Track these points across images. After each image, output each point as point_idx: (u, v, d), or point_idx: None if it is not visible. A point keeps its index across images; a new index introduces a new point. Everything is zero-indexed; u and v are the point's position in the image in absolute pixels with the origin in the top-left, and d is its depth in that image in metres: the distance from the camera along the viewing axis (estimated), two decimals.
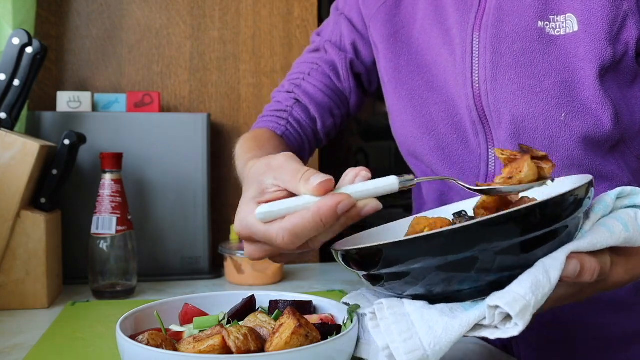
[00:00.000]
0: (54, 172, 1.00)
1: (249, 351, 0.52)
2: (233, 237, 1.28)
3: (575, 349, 0.79)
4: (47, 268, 0.94)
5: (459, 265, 0.46)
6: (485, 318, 0.46)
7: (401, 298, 0.51)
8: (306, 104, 0.92)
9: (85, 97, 1.18)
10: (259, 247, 0.59)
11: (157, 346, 0.53)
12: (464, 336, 0.47)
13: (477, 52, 0.77)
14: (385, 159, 2.81)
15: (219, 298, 0.70)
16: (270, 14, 1.39)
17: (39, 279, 0.93)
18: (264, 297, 0.68)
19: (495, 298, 0.45)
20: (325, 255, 1.58)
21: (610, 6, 0.70)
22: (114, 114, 1.17)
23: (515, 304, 0.44)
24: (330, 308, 0.64)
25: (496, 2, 0.76)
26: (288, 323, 0.53)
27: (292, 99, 0.93)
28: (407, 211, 2.29)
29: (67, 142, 1.01)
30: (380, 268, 0.49)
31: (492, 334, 0.46)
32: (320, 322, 0.59)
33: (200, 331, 0.59)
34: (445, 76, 0.80)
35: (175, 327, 0.65)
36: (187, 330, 0.63)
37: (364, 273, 0.52)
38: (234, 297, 0.69)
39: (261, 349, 0.54)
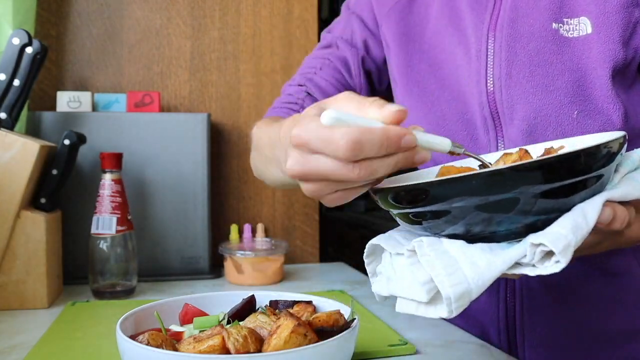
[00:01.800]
0: (54, 172, 1.00)
1: (248, 353, 0.52)
2: (233, 237, 1.29)
3: (577, 348, 0.79)
4: (47, 268, 0.94)
5: (499, 206, 0.48)
6: (525, 256, 0.48)
7: (439, 237, 0.52)
8: (317, 97, 0.93)
9: (85, 97, 1.18)
10: (306, 158, 0.51)
11: (157, 346, 0.53)
12: (503, 275, 0.48)
13: (492, 51, 0.79)
14: None
15: (219, 298, 0.70)
16: (270, 14, 1.39)
17: (39, 279, 0.93)
18: (264, 297, 0.68)
19: (538, 236, 0.47)
20: (325, 255, 1.59)
21: (624, 11, 0.72)
22: (114, 114, 1.17)
23: (558, 241, 0.46)
24: (330, 308, 0.64)
25: (511, 3, 0.78)
26: (286, 323, 0.53)
27: (304, 92, 0.94)
28: None
29: (67, 142, 1.01)
30: (425, 205, 0.50)
31: (532, 271, 0.48)
32: (320, 325, 0.59)
33: (200, 331, 0.59)
34: (458, 74, 0.82)
35: (175, 327, 0.65)
36: (187, 330, 0.63)
37: (407, 211, 0.52)
38: (234, 297, 0.69)
39: (261, 350, 0.54)
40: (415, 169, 0.76)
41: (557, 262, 0.46)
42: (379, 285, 0.56)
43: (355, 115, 0.50)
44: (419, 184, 0.49)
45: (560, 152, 0.49)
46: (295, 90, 0.95)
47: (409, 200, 0.51)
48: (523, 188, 0.46)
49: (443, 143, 0.55)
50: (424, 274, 0.49)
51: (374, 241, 0.59)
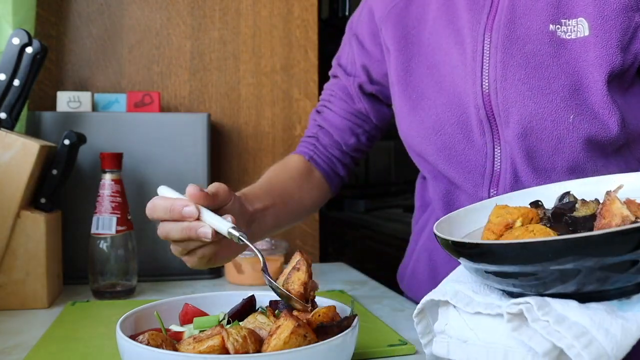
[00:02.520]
0: (54, 172, 1.00)
1: (247, 353, 0.52)
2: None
3: None
4: (47, 268, 0.94)
5: (617, 266, 0.45)
6: None
7: (538, 296, 0.48)
8: (328, 129, 1.00)
9: (85, 97, 1.18)
10: None
11: (157, 346, 0.53)
12: None
13: (487, 52, 0.78)
14: (385, 159, 2.81)
15: (219, 298, 0.70)
16: (270, 14, 1.39)
17: (39, 279, 0.93)
18: (263, 297, 0.68)
19: None
20: (325, 255, 1.58)
21: (623, 15, 0.71)
22: (114, 114, 1.17)
23: None
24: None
25: (509, 3, 0.77)
26: (286, 324, 0.53)
27: (317, 126, 1.02)
28: (407, 211, 2.29)
29: (67, 142, 1.01)
30: (533, 263, 0.46)
31: None
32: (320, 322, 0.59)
33: (200, 331, 0.59)
34: (453, 75, 0.81)
35: (175, 327, 0.65)
36: (187, 330, 0.63)
37: (505, 269, 0.48)
38: (234, 297, 0.69)
39: (261, 350, 0.54)
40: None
41: None
42: (441, 346, 0.52)
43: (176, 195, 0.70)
44: (527, 242, 0.45)
45: None
46: (312, 124, 1.03)
47: (515, 258, 0.46)
48: None
49: (221, 224, 0.64)
50: (543, 343, 0.44)
51: (433, 296, 0.54)
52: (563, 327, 0.44)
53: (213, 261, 0.73)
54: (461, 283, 0.55)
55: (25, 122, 1.13)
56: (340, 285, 1.11)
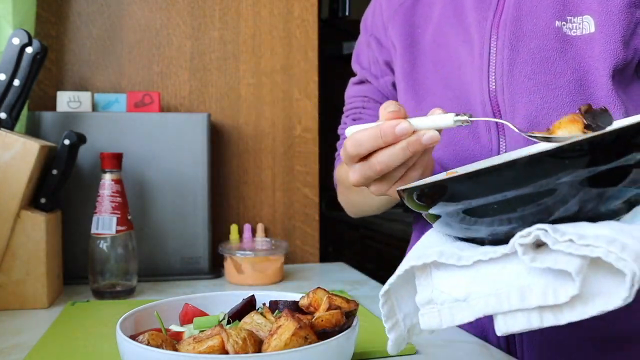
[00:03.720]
0: (54, 172, 1.00)
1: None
2: (233, 237, 1.29)
3: (577, 348, 0.79)
4: (47, 268, 0.94)
5: (611, 177, 0.43)
6: None
7: (544, 222, 0.44)
8: None
9: (85, 97, 1.18)
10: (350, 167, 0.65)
11: (157, 346, 0.53)
12: None
13: (494, 49, 0.79)
14: None
15: (219, 298, 0.70)
16: (270, 14, 1.39)
17: (39, 279, 0.93)
18: (263, 297, 0.68)
19: None
20: (325, 255, 1.58)
21: (626, 11, 0.73)
22: (114, 114, 1.17)
23: None
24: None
25: (515, 0, 0.79)
26: (287, 325, 0.53)
27: None
28: (408, 211, 2.29)
29: (67, 142, 1.01)
30: (531, 181, 0.43)
31: None
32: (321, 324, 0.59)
33: (200, 331, 0.59)
34: (460, 72, 0.82)
35: (175, 327, 0.65)
36: (187, 330, 0.63)
37: (504, 194, 0.44)
38: (234, 297, 0.69)
39: (260, 351, 0.53)
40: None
41: None
42: (431, 317, 0.47)
43: (370, 124, 0.61)
44: (537, 153, 0.41)
45: None
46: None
47: (503, 182, 0.43)
48: (634, 154, 0.42)
49: (444, 119, 0.58)
50: (573, 262, 0.41)
51: (412, 262, 0.49)
52: (590, 240, 0.41)
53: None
54: (439, 246, 0.50)
55: (25, 122, 1.13)
56: (340, 285, 1.11)
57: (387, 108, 0.60)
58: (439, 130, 0.60)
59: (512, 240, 0.44)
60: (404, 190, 0.51)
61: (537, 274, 0.43)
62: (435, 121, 0.59)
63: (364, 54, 1.02)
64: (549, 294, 0.42)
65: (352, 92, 1.04)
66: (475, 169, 0.44)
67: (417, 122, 0.59)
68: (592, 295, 0.42)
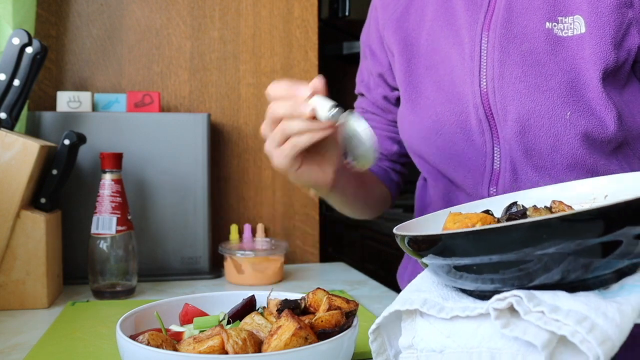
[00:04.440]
0: (54, 172, 1.00)
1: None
2: (233, 237, 1.29)
3: None
4: (47, 268, 0.94)
5: (600, 249, 0.43)
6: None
7: (523, 289, 0.45)
8: None
9: (85, 97, 1.18)
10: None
11: (157, 346, 0.53)
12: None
13: (485, 51, 0.79)
14: None
15: (219, 298, 0.70)
16: (270, 14, 1.39)
17: (39, 279, 0.93)
18: (263, 297, 0.68)
19: None
20: (325, 255, 1.59)
21: (617, 12, 0.72)
22: (114, 114, 1.17)
23: None
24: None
25: (505, 2, 0.78)
26: (288, 325, 0.53)
27: None
28: (408, 211, 2.29)
29: (67, 142, 1.01)
30: (512, 250, 0.43)
31: None
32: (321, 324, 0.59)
33: (200, 331, 0.59)
34: (452, 75, 0.82)
35: (175, 327, 0.65)
36: (187, 330, 0.63)
37: (480, 260, 0.45)
38: (234, 297, 0.69)
39: (260, 351, 0.53)
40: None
41: None
42: None
43: None
44: (512, 225, 0.41)
45: None
46: None
47: (490, 246, 0.43)
48: (627, 229, 0.42)
49: (325, 102, 0.64)
50: (541, 335, 0.41)
51: (397, 307, 0.50)
52: (561, 315, 0.41)
53: (301, 162, 0.72)
54: (426, 292, 0.51)
55: (25, 122, 1.13)
56: (340, 285, 1.11)
57: (315, 80, 0.68)
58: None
59: (488, 303, 0.45)
60: (397, 235, 0.51)
61: (510, 339, 0.44)
62: (317, 101, 0.66)
63: (363, 65, 1.03)
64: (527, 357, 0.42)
65: (355, 104, 1.06)
66: (457, 232, 0.44)
67: (315, 97, 0.66)
68: None
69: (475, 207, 0.62)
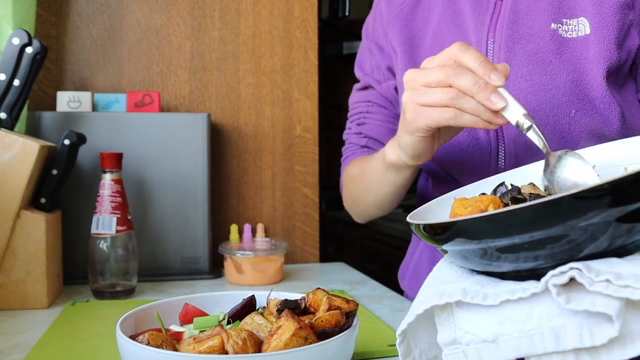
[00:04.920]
0: (54, 172, 1.00)
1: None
2: (233, 237, 1.29)
3: None
4: (47, 268, 0.94)
5: (637, 215, 0.42)
6: None
7: (569, 262, 0.44)
8: (377, 138, 1.00)
9: (85, 97, 1.18)
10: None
11: (157, 346, 0.53)
12: None
13: (491, 51, 0.80)
14: None
15: (219, 298, 0.70)
16: (270, 14, 1.39)
17: (39, 279, 0.93)
18: (263, 297, 0.68)
19: None
20: (325, 255, 1.58)
21: (620, 13, 0.73)
22: (114, 114, 1.17)
23: None
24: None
25: (512, 4, 0.79)
26: (288, 325, 0.53)
27: (364, 138, 1.02)
28: (408, 211, 2.28)
29: (67, 142, 1.01)
30: (561, 222, 0.42)
31: None
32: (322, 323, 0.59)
33: (200, 331, 0.59)
34: None
35: (175, 327, 0.65)
36: (187, 330, 0.63)
37: (535, 234, 0.43)
38: (234, 297, 0.69)
39: (260, 351, 0.53)
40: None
41: None
42: (462, 357, 0.45)
43: None
44: (557, 198, 0.40)
45: None
46: (356, 138, 1.03)
47: (532, 223, 0.42)
48: None
49: (517, 106, 0.60)
50: (612, 304, 0.40)
51: (434, 302, 0.47)
52: (630, 281, 0.39)
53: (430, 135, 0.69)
54: (458, 282, 0.48)
55: (25, 122, 1.13)
56: (340, 285, 1.11)
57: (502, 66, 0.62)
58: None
59: (543, 280, 0.43)
60: (413, 224, 0.49)
61: (570, 314, 0.42)
62: (511, 99, 0.61)
63: (366, 60, 1.03)
64: (585, 335, 0.41)
65: (355, 98, 1.05)
66: (504, 210, 0.43)
67: (504, 90, 0.61)
68: (630, 336, 0.40)
69: (473, 189, 0.62)
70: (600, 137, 0.76)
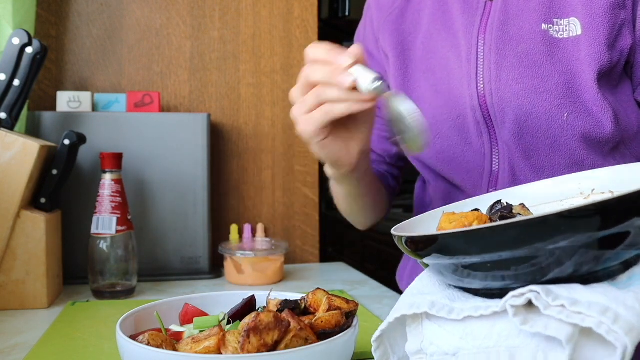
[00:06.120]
0: (54, 172, 1.00)
1: None
2: (233, 237, 1.29)
3: None
4: (47, 268, 0.94)
5: (610, 241, 0.43)
6: None
7: (534, 284, 0.44)
8: None
9: (85, 97, 1.18)
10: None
11: (157, 346, 0.53)
12: None
13: (482, 54, 0.79)
14: None
15: (219, 298, 0.70)
16: (270, 14, 1.39)
17: (39, 279, 0.93)
18: (263, 297, 0.68)
19: None
20: (325, 255, 1.58)
21: (611, 13, 0.72)
22: (114, 114, 1.17)
23: None
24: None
25: (501, 5, 0.78)
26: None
27: None
28: (407, 211, 2.29)
29: (67, 142, 1.01)
30: (527, 244, 0.42)
31: None
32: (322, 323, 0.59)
33: (200, 331, 0.59)
34: (450, 78, 0.82)
35: (175, 327, 0.65)
36: (187, 330, 0.63)
37: (497, 255, 0.43)
38: (234, 297, 0.69)
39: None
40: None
41: None
42: None
43: None
44: (525, 220, 0.41)
45: None
46: None
47: (501, 243, 0.42)
48: (634, 220, 0.42)
49: (368, 73, 0.60)
50: (564, 329, 0.40)
51: (403, 312, 0.48)
52: (583, 307, 0.40)
53: (328, 134, 0.69)
54: (431, 294, 0.49)
55: (25, 122, 1.13)
56: (340, 285, 1.11)
57: (355, 46, 0.64)
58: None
59: (503, 300, 0.44)
60: (395, 236, 0.50)
61: (528, 336, 0.43)
62: (359, 71, 0.62)
63: None
64: (539, 358, 0.41)
65: None
66: (471, 229, 0.43)
67: (356, 66, 0.62)
68: None
69: (464, 206, 0.62)
70: (593, 141, 0.75)
